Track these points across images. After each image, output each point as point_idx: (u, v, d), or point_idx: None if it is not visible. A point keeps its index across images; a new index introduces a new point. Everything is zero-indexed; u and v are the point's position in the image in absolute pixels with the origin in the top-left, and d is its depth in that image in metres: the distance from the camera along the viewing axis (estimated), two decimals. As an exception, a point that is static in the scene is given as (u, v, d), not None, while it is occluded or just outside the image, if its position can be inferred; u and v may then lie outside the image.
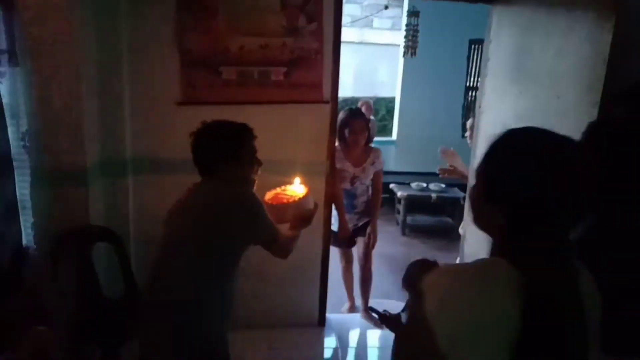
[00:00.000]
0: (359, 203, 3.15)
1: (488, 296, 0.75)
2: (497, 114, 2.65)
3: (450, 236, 5.18)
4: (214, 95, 2.63)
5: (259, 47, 2.62)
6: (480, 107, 2.86)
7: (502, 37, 2.61)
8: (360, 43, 10.44)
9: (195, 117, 1.72)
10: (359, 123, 3.01)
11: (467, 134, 3.36)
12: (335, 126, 2.77)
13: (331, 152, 2.78)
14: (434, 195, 5.19)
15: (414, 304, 1.01)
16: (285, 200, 1.92)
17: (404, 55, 4.17)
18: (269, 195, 1.98)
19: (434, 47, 5.96)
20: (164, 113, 2.60)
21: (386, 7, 5.47)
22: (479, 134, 2.85)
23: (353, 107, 3.44)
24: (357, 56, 8.71)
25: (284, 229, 1.83)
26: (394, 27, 10.06)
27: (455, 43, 6.02)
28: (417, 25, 3.82)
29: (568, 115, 2.00)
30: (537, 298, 0.73)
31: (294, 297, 2.92)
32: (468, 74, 6.22)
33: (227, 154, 1.63)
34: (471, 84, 6.26)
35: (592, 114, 1.86)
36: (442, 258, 4.90)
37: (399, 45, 6.94)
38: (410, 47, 3.80)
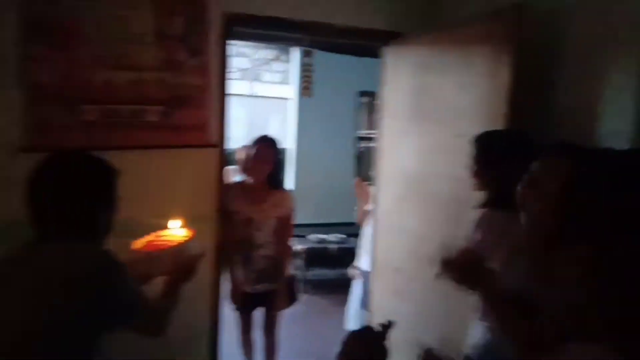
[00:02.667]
0: (258, 258, 2.53)
1: None
2: (397, 156, 2.51)
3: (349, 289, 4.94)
4: (70, 139, 2.13)
5: (129, 82, 2.22)
6: (378, 151, 2.71)
7: (398, 78, 2.52)
8: (250, 96, 10.36)
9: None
10: (265, 148, 2.52)
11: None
12: (222, 174, 2.40)
13: (220, 203, 2.40)
14: (334, 246, 4.96)
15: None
16: (161, 247, 1.50)
17: (301, 95, 3.98)
18: (138, 244, 1.53)
19: (326, 97, 5.97)
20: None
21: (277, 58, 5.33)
22: (380, 176, 2.68)
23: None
24: (247, 109, 8.54)
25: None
26: (283, 82, 10.15)
27: (345, 94, 6.10)
28: (311, 65, 3.68)
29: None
30: None
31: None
32: (358, 123, 6.30)
33: (90, 194, 1.23)
34: (362, 132, 6.35)
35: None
36: (341, 312, 4.71)
37: (289, 98, 6.91)
38: (304, 88, 3.62)
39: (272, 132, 2.79)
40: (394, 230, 2.54)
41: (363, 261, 3.23)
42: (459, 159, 2.05)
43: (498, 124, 1.83)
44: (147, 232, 1.61)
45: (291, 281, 2.69)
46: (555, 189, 1.14)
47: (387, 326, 1.83)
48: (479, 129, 1.79)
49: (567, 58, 1.84)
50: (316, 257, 4.94)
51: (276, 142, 2.61)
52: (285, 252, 2.63)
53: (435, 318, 2.19)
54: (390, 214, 2.58)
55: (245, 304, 2.64)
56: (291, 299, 2.71)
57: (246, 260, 2.56)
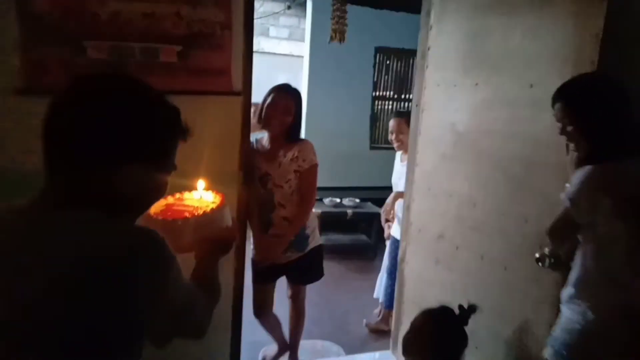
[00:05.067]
0: (278, 221, 2.26)
1: None
2: (445, 111, 2.22)
3: (366, 256, 4.76)
4: (74, 80, 1.84)
5: (141, 15, 1.90)
6: (418, 105, 2.42)
7: (449, 21, 2.20)
8: (256, 52, 9.91)
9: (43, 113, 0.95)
10: (285, 98, 2.23)
11: (392, 137, 2.92)
12: (249, 126, 2.12)
13: (244, 159, 2.12)
14: (349, 211, 4.72)
15: None
16: (184, 214, 1.13)
17: (329, 42, 3.64)
18: (155, 208, 1.14)
19: (339, 54, 5.59)
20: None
21: (289, 7, 4.96)
22: (418, 135, 2.40)
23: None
24: (255, 66, 8.14)
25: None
26: (291, 37, 9.68)
27: (360, 51, 5.71)
28: (344, 6, 3.31)
29: (543, 106, 1.58)
30: None
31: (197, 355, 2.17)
32: (375, 83, 5.94)
33: (141, 140, 0.83)
34: (379, 93, 6.00)
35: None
36: (361, 281, 4.52)
37: (297, 56, 6.51)
38: (338, 31, 3.26)
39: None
40: (435, 193, 2.28)
41: (395, 229, 2.99)
42: (526, 114, 1.77)
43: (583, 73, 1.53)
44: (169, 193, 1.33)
45: (318, 251, 2.43)
46: None
47: (469, 310, 1.60)
48: (556, 79, 1.49)
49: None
50: (331, 221, 4.71)
51: (297, 92, 2.32)
52: (304, 204, 2.29)
53: (488, 291, 1.95)
54: (432, 175, 2.31)
55: (264, 275, 2.38)
56: (317, 273, 2.46)
57: (268, 224, 2.30)
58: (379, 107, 6.08)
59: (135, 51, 1.92)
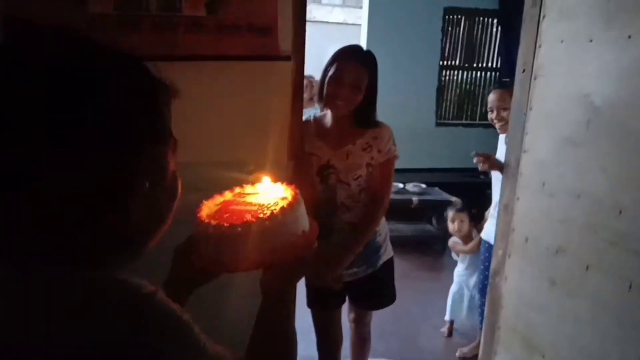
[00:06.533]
0: (338, 224, 1.75)
1: None
2: (573, 78, 1.59)
3: (434, 248, 4.19)
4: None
5: (157, -48, 1.41)
6: (526, 70, 1.79)
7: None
8: (308, 21, 9.34)
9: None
10: (351, 66, 1.64)
11: (492, 115, 2.32)
12: (301, 101, 1.59)
13: (296, 144, 1.62)
14: (414, 198, 4.13)
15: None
16: (245, 217, 0.80)
17: None
18: (207, 209, 0.85)
19: (402, 19, 4.93)
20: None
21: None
22: (528, 110, 1.78)
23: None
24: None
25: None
26: (345, 4, 8.99)
27: (426, 13, 5.01)
28: None
29: None
30: None
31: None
32: (443, 50, 5.23)
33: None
34: (447, 62, 5.29)
35: None
36: (429, 281, 3.94)
37: (353, 24, 5.90)
38: None
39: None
40: (553, 192, 1.68)
41: (488, 229, 2.42)
42: None
43: None
44: (215, 189, 0.91)
45: (390, 266, 1.89)
46: None
47: None
48: None
49: None
50: (392, 210, 4.14)
51: (372, 57, 1.74)
52: (378, 218, 1.79)
53: (637, 331, 1.36)
54: (548, 167, 1.71)
55: (322, 298, 1.86)
56: (389, 295, 1.92)
57: (326, 231, 1.75)
58: (447, 77, 5.38)
59: (151, 4, 1.44)
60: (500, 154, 2.44)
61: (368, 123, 1.73)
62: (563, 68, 1.62)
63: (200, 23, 1.44)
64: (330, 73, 1.65)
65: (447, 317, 2.80)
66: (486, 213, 2.61)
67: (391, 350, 2.62)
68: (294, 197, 0.85)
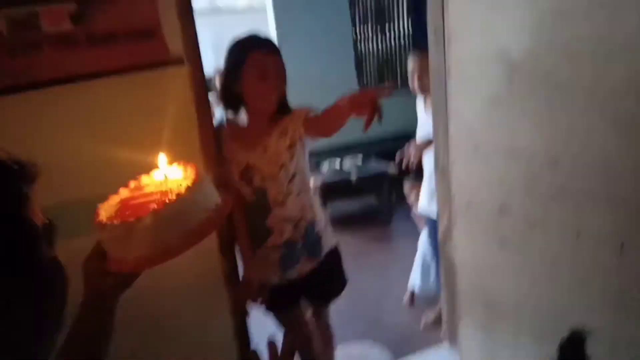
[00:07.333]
0: (277, 225, 1.59)
1: None
2: (488, 35, 1.53)
3: (380, 220, 4.16)
4: None
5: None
6: (437, 32, 1.72)
7: None
8: (213, 10, 8.89)
9: None
10: (270, 55, 1.50)
11: (413, 80, 2.26)
12: (208, 105, 1.41)
13: (209, 155, 1.45)
14: (353, 177, 4.05)
15: None
16: (151, 207, 0.76)
17: None
18: (105, 211, 0.81)
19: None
20: None
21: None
22: (446, 75, 1.71)
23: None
24: (209, 29, 7.20)
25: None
26: (249, -12, 8.67)
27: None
28: None
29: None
30: None
31: None
32: (354, 23, 5.14)
33: None
34: (359, 34, 5.20)
35: None
36: (383, 252, 3.92)
37: (260, 10, 5.65)
38: None
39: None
40: (487, 153, 1.64)
41: (424, 203, 2.37)
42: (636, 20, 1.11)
43: None
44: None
45: (336, 253, 1.78)
46: None
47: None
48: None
49: None
50: (333, 190, 4.06)
51: (277, 45, 1.58)
52: (311, 203, 1.65)
53: (590, 278, 1.35)
54: (478, 128, 1.65)
55: (278, 301, 1.72)
56: (339, 281, 1.82)
57: (262, 236, 1.62)
58: (363, 50, 5.30)
59: (3, 24, 1.20)
60: (421, 120, 2.40)
61: (284, 110, 1.59)
62: (476, 26, 1.56)
63: (67, 38, 1.22)
64: (245, 70, 1.48)
65: (409, 286, 2.76)
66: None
67: (358, 332, 2.55)
68: (196, 174, 0.84)
